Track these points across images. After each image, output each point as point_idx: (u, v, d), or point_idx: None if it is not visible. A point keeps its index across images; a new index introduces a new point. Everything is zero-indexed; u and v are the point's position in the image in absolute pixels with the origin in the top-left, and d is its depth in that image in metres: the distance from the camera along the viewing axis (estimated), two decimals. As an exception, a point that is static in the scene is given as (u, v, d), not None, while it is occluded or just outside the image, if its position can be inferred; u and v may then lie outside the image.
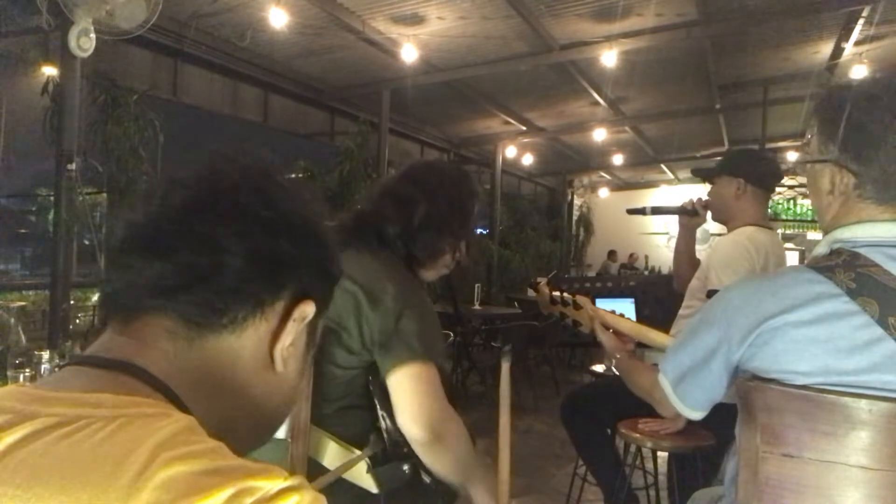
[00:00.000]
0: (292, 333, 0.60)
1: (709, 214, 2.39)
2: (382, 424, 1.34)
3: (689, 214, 2.39)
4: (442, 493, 1.41)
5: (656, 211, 2.53)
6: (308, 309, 0.61)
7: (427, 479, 1.37)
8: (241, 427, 0.61)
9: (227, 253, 0.56)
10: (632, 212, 2.65)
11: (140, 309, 0.56)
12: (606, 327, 1.56)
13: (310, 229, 0.62)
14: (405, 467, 1.34)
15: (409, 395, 1.31)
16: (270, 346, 0.60)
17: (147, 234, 0.57)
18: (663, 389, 1.21)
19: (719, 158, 2.36)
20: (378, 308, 1.32)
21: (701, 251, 2.48)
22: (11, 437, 0.46)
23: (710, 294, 2.08)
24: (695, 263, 2.43)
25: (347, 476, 1.32)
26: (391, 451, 1.34)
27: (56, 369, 1.77)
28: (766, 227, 2.20)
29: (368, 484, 1.32)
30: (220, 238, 0.56)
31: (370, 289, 1.33)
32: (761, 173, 2.22)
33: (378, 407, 1.35)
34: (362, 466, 1.32)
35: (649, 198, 14.09)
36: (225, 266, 0.56)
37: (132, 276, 0.56)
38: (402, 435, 1.34)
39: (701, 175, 2.40)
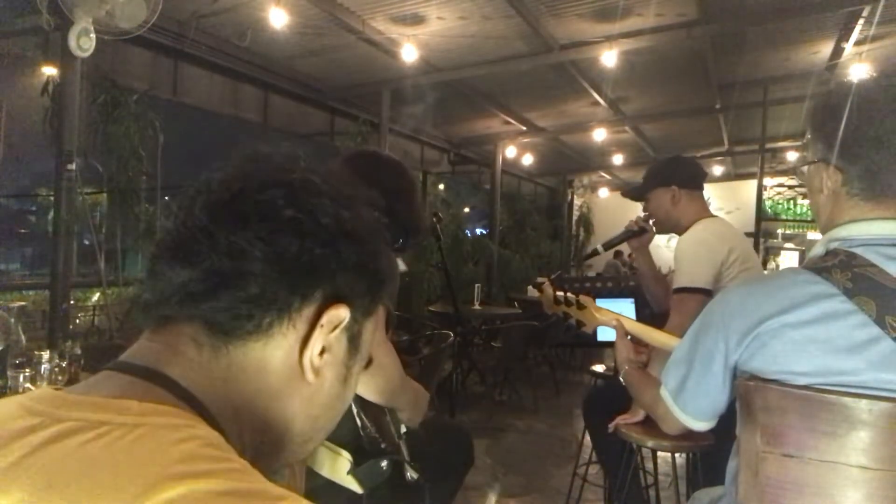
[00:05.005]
0: (321, 340, 0.57)
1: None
2: (358, 422, 1.35)
3: (638, 235, 2.46)
4: (428, 490, 1.42)
5: (609, 245, 2.56)
6: (339, 314, 0.57)
7: (410, 476, 1.37)
8: (274, 438, 0.58)
9: (249, 257, 0.53)
10: (587, 256, 2.79)
11: (169, 317, 0.55)
12: (627, 335, 1.54)
13: (342, 227, 0.57)
14: (383, 464, 1.34)
15: None
16: (300, 354, 0.57)
17: (174, 240, 0.56)
18: (665, 403, 1.21)
19: (643, 176, 2.45)
20: None
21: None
22: (37, 438, 0.46)
23: (677, 292, 2.11)
24: (662, 279, 2.52)
25: (332, 478, 1.32)
26: (368, 449, 1.34)
27: (56, 369, 1.78)
28: (715, 216, 2.30)
29: (351, 484, 1.32)
30: (241, 242, 0.53)
31: None
32: (690, 175, 2.34)
33: (352, 404, 1.36)
34: (344, 467, 1.32)
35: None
36: (247, 271, 0.53)
37: (162, 284, 0.55)
38: (378, 431, 1.35)
39: (633, 196, 2.47)
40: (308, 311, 0.56)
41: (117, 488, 0.41)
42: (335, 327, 0.58)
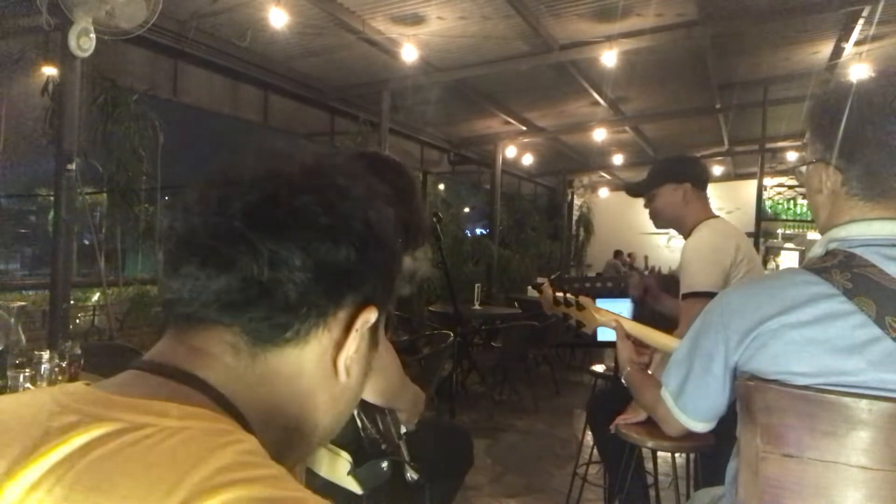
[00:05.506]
0: (356, 342, 0.59)
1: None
2: (358, 423, 1.35)
3: (643, 294, 2.49)
4: (428, 490, 1.41)
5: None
6: (371, 316, 0.60)
7: (410, 477, 1.37)
8: (301, 437, 0.60)
9: (289, 266, 0.54)
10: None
11: (203, 320, 0.55)
12: (628, 336, 1.54)
13: (372, 233, 0.59)
14: (384, 465, 1.34)
15: None
16: (334, 356, 0.59)
17: (207, 243, 0.55)
18: (666, 404, 1.21)
19: (651, 172, 2.42)
20: None
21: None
22: (80, 439, 0.46)
23: (685, 297, 2.11)
24: (671, 297, 2.53)
25: (332, 478, 1.32)
26: (369, 450, 1.34)
27: (56, 369, 1.77)
28: (718, 216, 2.31)
29: (351, 485, 1.32)
30: (282, 251, 0.54)
31: None
32: (701, 174, 2.35)
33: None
34: (344, 468, 1.32)
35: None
36: (287, 280, 0.54)
37: (196, 287, 0.54)
38: (378, 432, 1.35)
39: (638, 190, 2.44)
40: (342, 315, 0.58)
41: (162, 493, 0.41)
42: (365, 328, 0.60)
